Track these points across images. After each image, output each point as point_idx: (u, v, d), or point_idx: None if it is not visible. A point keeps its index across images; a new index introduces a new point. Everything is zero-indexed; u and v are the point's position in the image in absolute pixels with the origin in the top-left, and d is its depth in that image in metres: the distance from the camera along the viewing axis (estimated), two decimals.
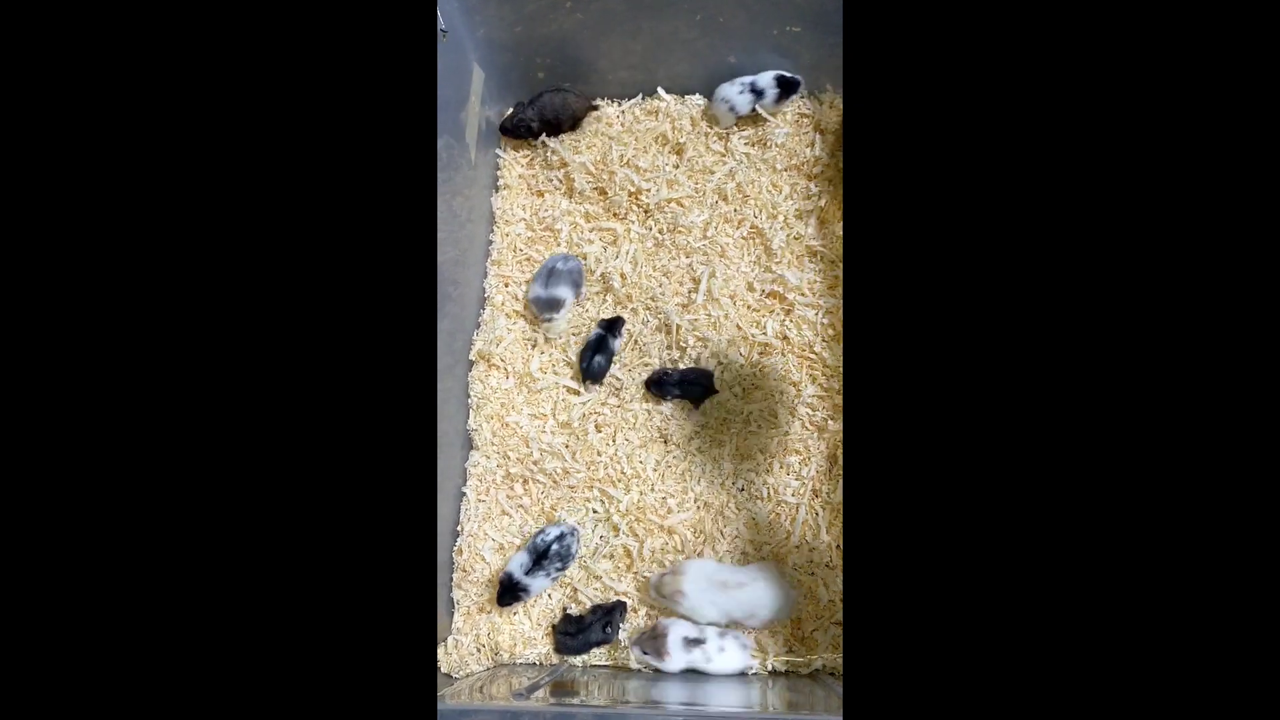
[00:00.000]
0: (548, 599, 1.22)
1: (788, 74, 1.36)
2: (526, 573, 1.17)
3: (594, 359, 1.28)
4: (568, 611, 1.19)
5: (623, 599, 1.19)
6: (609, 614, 1.16)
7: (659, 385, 1.26)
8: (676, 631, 1.10)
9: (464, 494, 1.28)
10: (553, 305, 1.29)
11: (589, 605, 1.19)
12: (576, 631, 1.15)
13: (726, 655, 1.10)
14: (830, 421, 1.24)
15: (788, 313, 1.30)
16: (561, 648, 1.16)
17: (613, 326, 1.30)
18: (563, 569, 1.19)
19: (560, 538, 1.19)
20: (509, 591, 1.17)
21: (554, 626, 1.19)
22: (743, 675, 1.15)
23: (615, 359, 1.31)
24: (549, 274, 1.32)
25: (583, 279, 1.34)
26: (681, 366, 1.29)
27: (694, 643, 1.09)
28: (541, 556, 1.17)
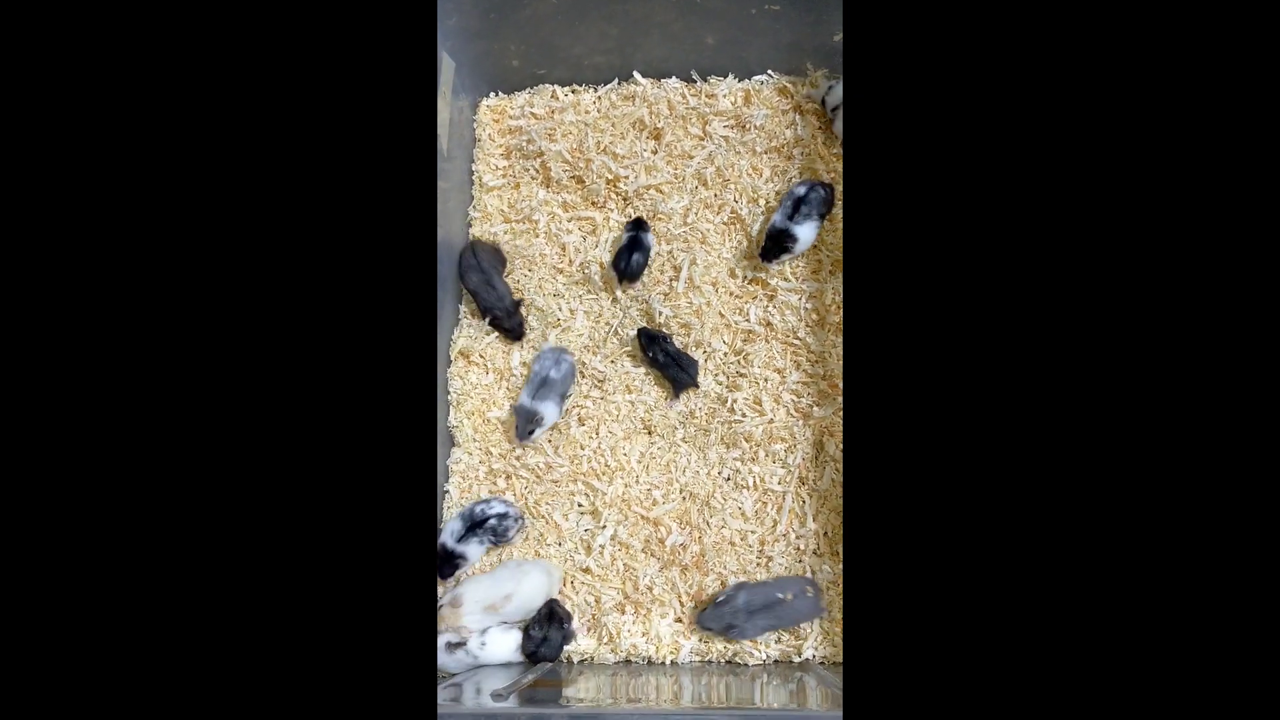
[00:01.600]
0: None
1: None
2: (459, 540, 1.17)
3: (632, 256, 1.27)
4: (529, 631, 1.14)
5: (556, 600, 1.17)
6: (548, 619, 1.13)
7: (650, 340, 1.24)
8: (438, 641, 1.10)
9: (446, 492, 1.27)
10: (533, 419, 1.22)
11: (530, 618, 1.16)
12: (542, 640, 1.12)
13: (490, 648, 1.10)
14: (816, 408, 1.22)
15: (770, 299, 1.28)
16: (543, 657, 1.14)
17: (640, 225, 1.29)
18: (495, 543, 1.19)
19: (502, 516, 1.19)
20: (446, 561, 1.18)
21: (522, 649, 1.14)
22: (734, 666, 1.15)
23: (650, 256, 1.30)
24: (541, 384, 1.23)
25: (573, 382, 1.27)
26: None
27: (455, 646, 1.10)
28: (476, 525, 1.18)
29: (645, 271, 1.31)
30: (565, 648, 1.15)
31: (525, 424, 1.22)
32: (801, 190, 1.25)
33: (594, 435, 1.27)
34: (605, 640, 1.17)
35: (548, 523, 1.24)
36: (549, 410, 1.23)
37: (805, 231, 1.24)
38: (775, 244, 1.25)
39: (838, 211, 1.29)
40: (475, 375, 1.31)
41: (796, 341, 1.26)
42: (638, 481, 1.24)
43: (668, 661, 1.16)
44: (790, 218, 1.24)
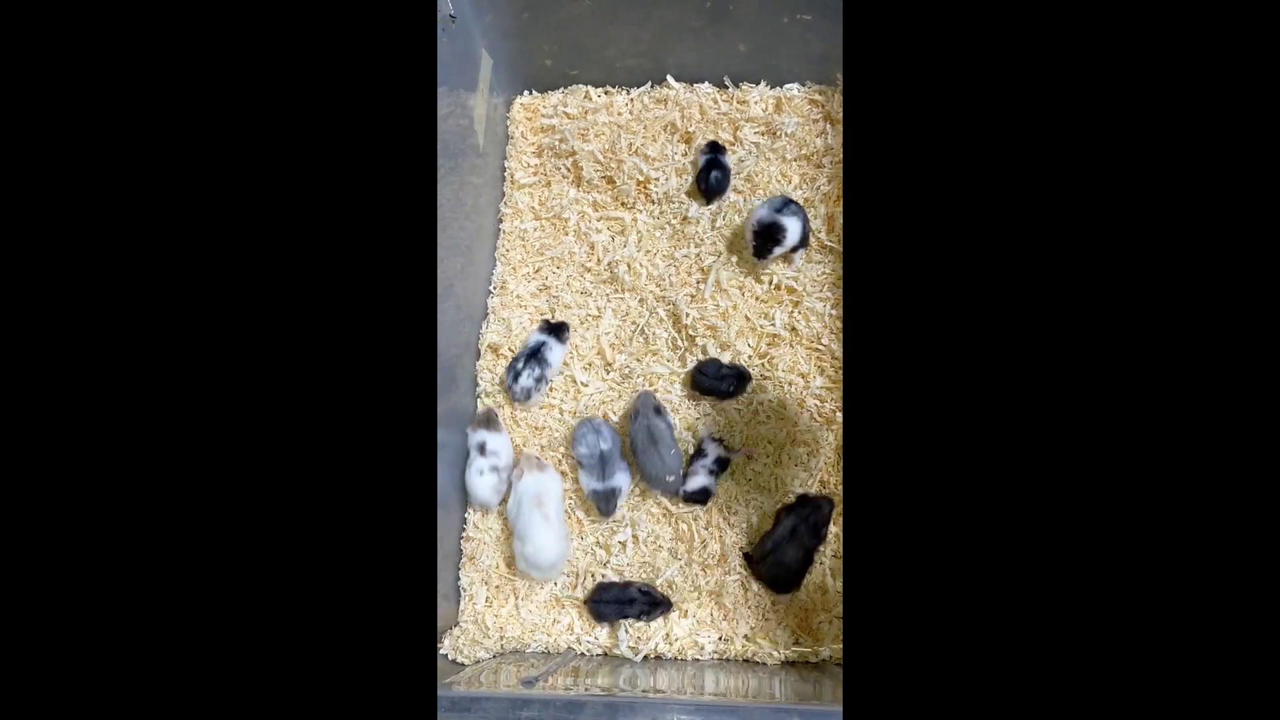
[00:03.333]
0: (560, 586, 1.23)
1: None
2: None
3: (711, 175, 1.31)
4: (606, 579, 1.19)
5: (669, 599, 1.18)
6: (655, 605, 1.16)
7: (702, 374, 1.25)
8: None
9: None
10: (612, 498, 1.21)
11: (635, 581, 1.20)
12: (615, 601, 1.16)
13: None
14: (838, 414, 1.24)
15: (796, 304, 1.30)
16: (597, 613, 1.17)
17: (716, 148, 1.33)
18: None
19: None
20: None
21: (591, 594, 1.19)
22: (752, 665, 1.16)
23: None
24: (601, 462, 1.21)
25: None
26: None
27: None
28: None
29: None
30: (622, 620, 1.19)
31: (605, 504, 1.22)
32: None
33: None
34: (627, 639, 1.18)
35: (570, 516, 1.25)
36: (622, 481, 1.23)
37: (793, 224, 1.25)
38: (766, 238, 1.25)
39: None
40: (503, 368, 1.33)
41: (820, 347, 1.27)
42: None
43: (689, 658, 1.17)
44: (779, 210, 1.25)
